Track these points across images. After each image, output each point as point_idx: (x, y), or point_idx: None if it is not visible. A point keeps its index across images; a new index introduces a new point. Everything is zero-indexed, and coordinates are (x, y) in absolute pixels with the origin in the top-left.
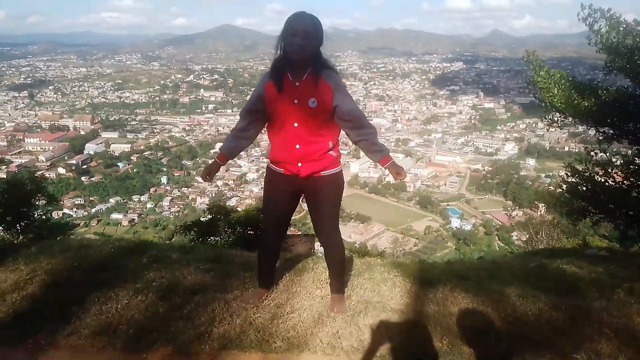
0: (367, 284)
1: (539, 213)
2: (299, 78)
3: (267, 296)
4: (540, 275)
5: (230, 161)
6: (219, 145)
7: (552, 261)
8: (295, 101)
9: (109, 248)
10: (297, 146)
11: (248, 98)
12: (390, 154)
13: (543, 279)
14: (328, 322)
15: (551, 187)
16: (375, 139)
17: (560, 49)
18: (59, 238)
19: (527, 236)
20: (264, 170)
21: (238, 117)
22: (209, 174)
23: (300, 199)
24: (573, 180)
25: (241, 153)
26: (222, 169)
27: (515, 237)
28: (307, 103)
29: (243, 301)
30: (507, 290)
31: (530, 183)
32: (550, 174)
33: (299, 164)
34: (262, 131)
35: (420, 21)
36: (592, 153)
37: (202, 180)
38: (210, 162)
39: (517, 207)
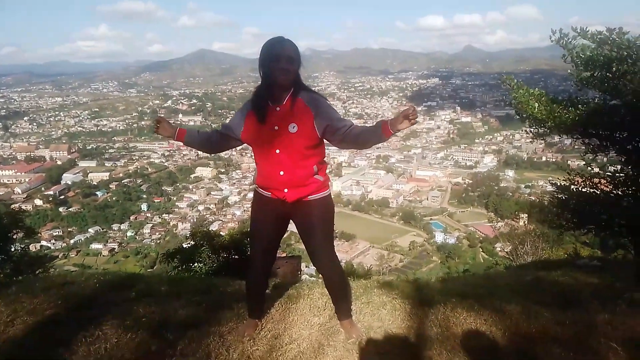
0: (366, 309)
1: (521, 223)
2: (279, 102)
3: (262, 326)
4: (538, 290)
5: (210, 185)
6: (199, 169)
7: (546, 274)
8: (276, 127)
9: (93, 283)
10: (281, 172)
11: (229, 120)
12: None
13: (541, 293)
14: (329, 351)
15: (532, 198)
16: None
17: (533, 61)
18: (37, 272)
19: (511, 247)
20: (246, 192)
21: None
22: (161, 127)
23: (289, 223)
24: (562, 196)
25: (222, 176)
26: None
27: (499, 249)
28: (287, 129)
29: (238, 334)
30: (508, 307)
31: (511, 194)
32: (530, 184)
33: (285, 190)
34: (236, 153)
35: (396, 40)
36: (584, 164)
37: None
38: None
39: (499, 218)
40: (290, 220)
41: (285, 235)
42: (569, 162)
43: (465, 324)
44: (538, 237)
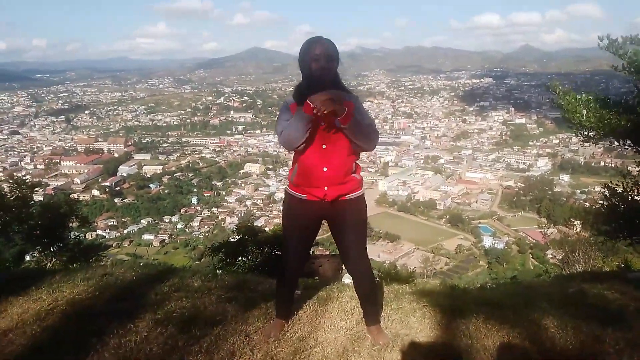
0: (394, 315)
1: (574, 231)
2: None
3: (288, 328)
4: (580, 303)
5: (258, 181)
6: (248, 165)
7: (592, 286)
8: (322, 123)
9: (131, 275)
10: (325, 169)
11: (277, 122)
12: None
13: (583, 306)
14: (353, 357)
15: (587, 204)
16: (364, 124)
17: (593, 62)
18: (91, 260)
19: (563, 255)
20: None
21: (265, 136)
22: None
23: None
24: (612, 201)
25: (269, 173)
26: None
27: (550, 256)
28: (335, 124)
29: (264, 334)
30: (545, 320)
31: (565, 199)
32: (586, 190)
33: (325, 188)
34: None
35: (449, 38)
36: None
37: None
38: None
39: (551, 224)
40: (324, 221)
41: (328, 233)
42: (629, 167)
43: (497, 336)
44: (591, 245)
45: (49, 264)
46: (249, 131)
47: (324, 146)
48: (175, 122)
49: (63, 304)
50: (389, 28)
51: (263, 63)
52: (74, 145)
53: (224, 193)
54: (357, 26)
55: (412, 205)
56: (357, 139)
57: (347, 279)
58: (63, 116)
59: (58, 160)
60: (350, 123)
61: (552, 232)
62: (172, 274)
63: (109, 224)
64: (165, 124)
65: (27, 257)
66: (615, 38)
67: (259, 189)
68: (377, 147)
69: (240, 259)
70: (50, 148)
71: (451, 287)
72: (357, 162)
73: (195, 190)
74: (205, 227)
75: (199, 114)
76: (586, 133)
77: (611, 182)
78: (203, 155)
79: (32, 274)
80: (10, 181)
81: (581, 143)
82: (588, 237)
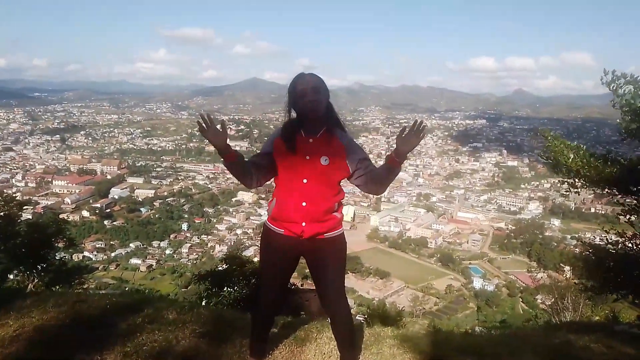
0: None
1: (564, 276)
2: (313, 135)
3: None
4: (565, 355)
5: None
6: (240, 193)
7: (578, 337)
8: (307, 157)
9: (104, 304)
10: (304, 204)
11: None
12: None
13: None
14: None
15: (577, 250)
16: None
17: (585, 109)
18: (74, 282)
19: (552, 300)
20: None
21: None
22: (210, 130)
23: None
24: (598, 255)
25: (262, 202)
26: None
27: (540, 301)
28: (320, 160)
29: None
30: None
31: (556, 244)
32: (576, 235)
33: (303, 224)
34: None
35: (445, 79)
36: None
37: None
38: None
39: (541, 269)
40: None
41: None
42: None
43: None
44: (580, 292)
45: (30, 285)
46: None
47: (305, 180)
48: (170, 147)
49: (30, 330)
50: (387, 65)
51: (261, 93)
52: (67, 165)
53: (214, 220)
54: (356, 62)
55: (404, 242)
56: (384, 188)
57: (328, 316)
58: (58, 135)
59: (50, 179)
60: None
61: (542, 277)
62: (147, 304)
63: (97, 246)
64: (160, 149)
65: (11, 276)
66: (618, 74)
67: (250, 217)
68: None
69: (225, 289)
70: (43, 166)
71: (435, 331)
72: (341, 201)
73: (186, 216)
74: (194, 254)
75: (194, 140)
76: (572, 179)
77: (604, 228)
78: (196, 181)
79: (6, 296)
80: None
81: (566, 190)
82: (577, 284)
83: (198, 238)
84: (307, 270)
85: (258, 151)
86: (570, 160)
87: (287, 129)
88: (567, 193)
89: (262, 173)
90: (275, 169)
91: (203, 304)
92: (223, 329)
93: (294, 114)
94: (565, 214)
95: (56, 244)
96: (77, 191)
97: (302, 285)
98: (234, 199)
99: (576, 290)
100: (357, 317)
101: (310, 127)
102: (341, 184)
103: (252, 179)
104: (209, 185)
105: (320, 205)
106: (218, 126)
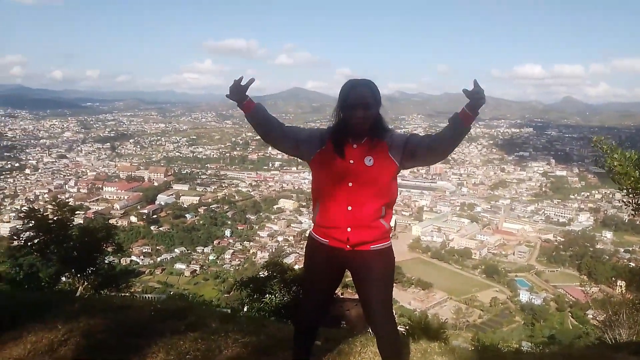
0: None
1: (617, 291)
2: (358, 141)
3: None
4: None
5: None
6: (282, 200)
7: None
8: (351, 161)
9: (149, 310)
10: (349, 207)
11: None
12: None
13: None
14: None
15: (632, 264)
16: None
17: (638, 117)
18: (122, 286)
19: (605, 316)
20: None
21: (300, 173)
22: (233, 87)
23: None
24: None
25: (303, 209)
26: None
27: (591, 316)
28: (364, 161)
29: None
30: None
31: (608, 257)
32: (630, 248)
33: (348, 229)
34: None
35: (489, 87)
36: None
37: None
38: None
39: (592, 282)
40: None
41: None
42: None
43: None
44: (637, 309)
45: (80, 288)
46: (284, 167)
47: (350, 184)
48: (215, 155)
49: (77, 335)
50: (428, 73)
51: (303, 102)
52: (117, 172)
53: (257, 227)
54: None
55: (446, 252)
56: (454, 146)
57: (373, 333)
58: (109, 143)
59: (100, 186)
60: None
61: (593, 292)
62: (191, 311)
63: (144, 250)
64: (205, 157)
65: (63, 279)
66: None
67: (292, 225)
68: (412, 190)
69: (267, 296)
70: (94, 173)
71: (483, 348)
72: (389, 206)
73: (229, 222)
74: (237, 260)
75: (238, 149)
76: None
77: None
78: (239, 188)
79: (56, 299)
80: (53, 203)
81: (632, 214)
82: (633, 299)
83: (240, 244)
84: (348, 279)
85: (299, 160)
86: (637, 179)
87: (337, 133)
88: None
89: (282, 140)
90: (290, 149)
91: (245, 309)
92: (265, 339)
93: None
94: (618, 226)
95: (105, 249)
96: (125, 197)
97: (342, 294)
98: (275, 207)
99: (632, 306)
100: (398, 328)
101: (356, 133)
102: (398, 180)
103: (272, 132)
104: (252, 193)
105: (366, 209)
106: (243, 83)
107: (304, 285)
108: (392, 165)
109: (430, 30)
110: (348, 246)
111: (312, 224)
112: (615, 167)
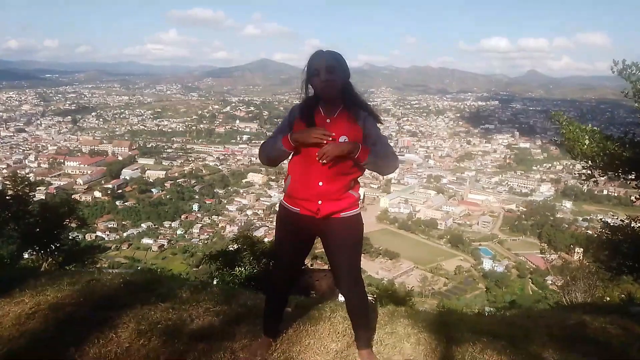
0: (388, 339)
1: (575, 258)
2: (331, 115)
3: (276, 347)
4: (580, 337)
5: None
6: (251, 174)
7: (593, 319)
8: (325, 142)
9: (118, 283)
10: (320, 183)
11: (277, 129)
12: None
13: (584, 341)
14: None
15: (589, 232)
16: (382, 154)
17: (599, 90)
18: (87, 261)
19: (563, 282)
20: None
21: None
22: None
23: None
24: (617, 235)
25: (272, 183)
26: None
27: (550, 282)
28: (338, 139)
29: (251, 352)
30: (545, 354)
31: (567, 226)
32: (588, 217)
33: (319, 202)
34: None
35: (456, 60)
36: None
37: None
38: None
39: (552, 250)
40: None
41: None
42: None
43: None
44: (592, 274)
45: (44, 264)
46: (253, 141)
47: (323, 162)
48: (180, 129)
49: (45, 308)
50: (397, 46)
51: (271, 75)
52: (79, 146)
53: (225, 201)
54: (366, 43)
55: (413, 223)
56: (378, 171)
57: (343, 297)
58: (70, 117)
59: (62, 160)
60: (367, 160)
61: (552, 259)
62: (160, 283)
63: (109, 226)
64: (170, 130)
65: (26, 255)
66: (629, 64)
67: (261, 199)
68: None
69: (237, 268)
70: (55, 147)
71: (448, 311)
72: (357, 180)
73: (197, 197)
74: (205, 234)
75: (204, 122)
76: (588, 170)
77: (613, 214)
78: (207, 162)
79: (21, 275)
80: (10, 179)
81: (584, 179)
82: (590, 265)
83: (209, 219)
84: (317, 251)
85: (268, 133)
86: (586, 146)
87: (306, 108)
88: (585, 181)
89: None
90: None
91: (214, 283)
92: (236, 307)
93: (311, 91)
94: (577, 196)
95: (69, 224)
96: (89, 172)
97: (312, 265)
98: (244, 180)
99: (588, 271)
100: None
101: (329, 106)
102: None
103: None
104: (220, 167)
105: (336, 184)
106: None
107: (276, 252)
108: (365, 148)
109: (399, 2)
110: (318, 216)
111: (283, 194)
112: (569, 136)
